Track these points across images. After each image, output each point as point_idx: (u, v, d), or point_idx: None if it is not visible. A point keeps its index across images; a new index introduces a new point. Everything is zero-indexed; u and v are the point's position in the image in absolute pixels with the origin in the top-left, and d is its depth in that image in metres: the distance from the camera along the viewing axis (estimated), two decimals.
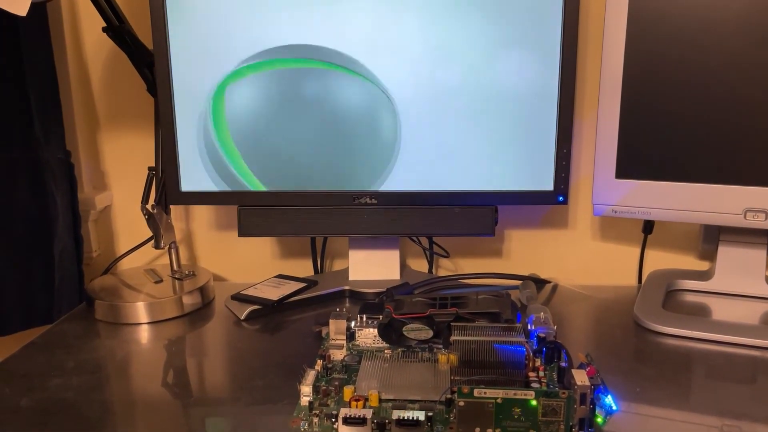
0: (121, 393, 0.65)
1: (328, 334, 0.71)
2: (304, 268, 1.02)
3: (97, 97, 0.98)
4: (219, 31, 0.81)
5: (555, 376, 0.61)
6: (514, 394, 0.53)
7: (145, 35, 0.83)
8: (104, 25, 0.81)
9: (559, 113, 0.82)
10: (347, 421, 0.54)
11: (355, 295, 0.90)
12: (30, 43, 0.85)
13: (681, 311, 0.82)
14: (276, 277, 0.94)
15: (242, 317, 0.82)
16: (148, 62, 0.85)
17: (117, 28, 0.82)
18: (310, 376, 0.60)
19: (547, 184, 0.85)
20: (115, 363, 0.72)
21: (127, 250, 0.99)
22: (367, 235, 0.87)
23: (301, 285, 0.89)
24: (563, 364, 0.60)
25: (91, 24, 0.95)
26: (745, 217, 0.77)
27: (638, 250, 0.98)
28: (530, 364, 0.61)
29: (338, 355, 0.67)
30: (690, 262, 0.98)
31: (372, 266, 0.92)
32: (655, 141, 0.79)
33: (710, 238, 0.87)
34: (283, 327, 0.81)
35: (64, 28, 0.94)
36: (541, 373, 0.61)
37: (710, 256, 0.95)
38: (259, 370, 0.69)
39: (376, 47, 0.81)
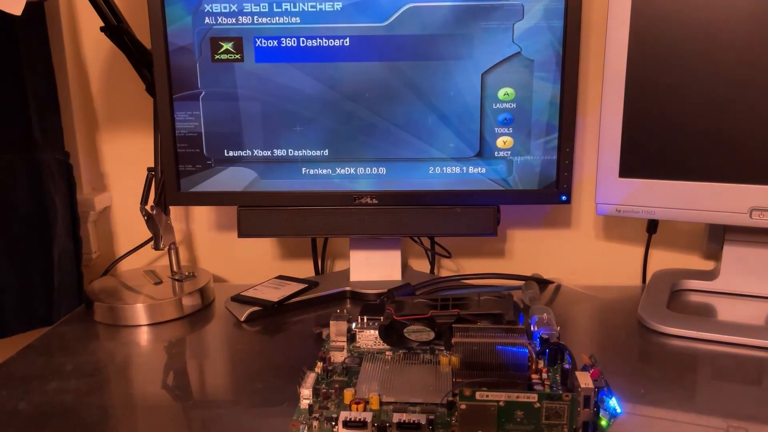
0: (120, 396, 0.65)
1: (328, 335, 0.70)
2: (304, 268, 1.01)
3: (96, 97, 0.98)
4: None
5: (558, 378, 0.60)
6: (517, 397, 0.52)
7: (143, 35, 0.83)
8: (102, 24, 0.81)
9: (562, 111, 0.82)
10: (347, 424, 0.54)
11: (356, 296, 0.89)
12: (28, 43, 0.84)
13: (686, 311, 0.81)
14: (276, 278, 0.93)
15: (242, 319, 0.82)
16: (147, 62, 0.84)
17: (115, 28, 0.81)
18: (310, 378, 0.59)
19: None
20: (115, 365, 0.71)
21: (127, 251, 0.98)
22: (368, 235, 0.86)
23: (302, 286, 0.89)
24: (566, 365, 0.59)
25: (90, 24, 0.95)
26: (750, 216, 0.76)
27: (642, 250, 0.97)
28: (533, 366, 0.60)
29: (339, 357, 0.67)
30: (695, 262, 0.97)
31: (373, 267, 0.92)
32: (659, 139, 0.78)
33: (715, 238, 0.86)
34: (284, 328, 0.80)
35: (63, 27, 0.93)
36: (544, 375, 0.60)
37: (715, 255, 0.94)
38: (259, 373, 0.68)
39: None
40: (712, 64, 0.74)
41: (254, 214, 0.85)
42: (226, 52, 0.81)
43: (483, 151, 0.83)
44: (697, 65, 0.75)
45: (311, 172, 0.85)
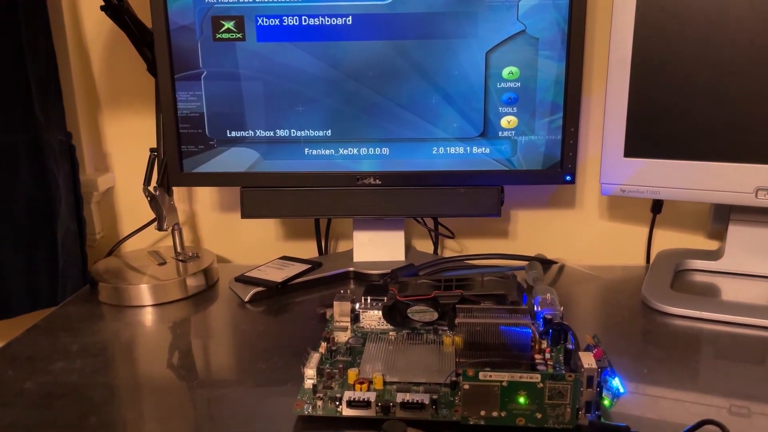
0: (125, 376, 0.65)
1: (332, 316, 0.70)
2: (308, 249, 1.01)
3: (98, 77, 0.97)
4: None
5: (561, 359, 0.60)
6: (520, 377, 0.52)
7: (144, 14, 0.82)
8: (102, 3, 0.80)
9: (567, 90, 0.81)
10: (351, 404, 0.54)
11: (360, 277, 0.89)
12: (28, 23, 0.84)
13: (690, 291, 0.81)
14: (280, 258, 0.93)
15: (246, 299, 0.82)
16: (148, 41, 0.83)
17: (115, 7, 0.80)
18: (314, 358, 0.60)
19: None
20: (119, 345, 0.72)
21: (131, 232, 0.98)
22: (372, 216, 0.86)
23: (306, 266, 0.89)
24: (570, 346, 0.59)
25: (90, 3, 0.94)
26: (756, 195, 0.76)
27: (647, 230, 0.97)
28: (536, 347, 0.60)
29: (342, 337, 0.67)
30: (699, 242, 0.97)
31: (376, 247, 0.91)
32: (664, 119, 0.77)
33: (720, 217, 0.86)
34: (288, 309, 0.80)
35: (63, 7, 0.93)
36: (548, 356, 0.60)
37: (720, 235, 0.93)
38: (263, 353, 0.69)
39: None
40: (719, 42, 0.73)
41: (257, 195, 0.85)
42: (228, 31, 0.80)
43: (487, 131, 0.83)
44: (704, 43, 0.74)
45: (314, 152, 0.84)
